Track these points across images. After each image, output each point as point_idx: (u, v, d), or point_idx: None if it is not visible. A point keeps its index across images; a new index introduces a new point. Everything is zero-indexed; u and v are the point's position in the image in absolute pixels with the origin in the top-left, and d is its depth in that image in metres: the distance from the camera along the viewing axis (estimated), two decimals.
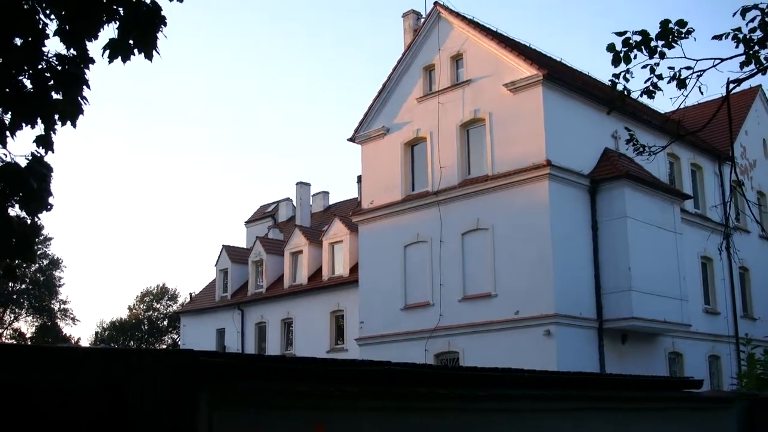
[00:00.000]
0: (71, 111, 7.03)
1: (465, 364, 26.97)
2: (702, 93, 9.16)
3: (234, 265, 47.42)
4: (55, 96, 7.00)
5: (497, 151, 29.46)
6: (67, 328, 72.34)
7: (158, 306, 79.11)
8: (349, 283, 38.03)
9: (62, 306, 70.58)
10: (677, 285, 29.98)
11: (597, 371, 26.73)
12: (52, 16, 6.90)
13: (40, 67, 6.92)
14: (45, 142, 7.07)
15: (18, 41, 6.85)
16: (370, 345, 31.80)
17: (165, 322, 77.51)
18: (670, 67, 9.03)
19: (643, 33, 8.85)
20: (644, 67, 9.03)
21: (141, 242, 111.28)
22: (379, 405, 5.13)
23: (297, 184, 50.98)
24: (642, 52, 8.91)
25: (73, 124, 7.07)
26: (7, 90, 6.86)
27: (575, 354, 26.65)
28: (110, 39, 6.93)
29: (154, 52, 7.00)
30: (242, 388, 4.21)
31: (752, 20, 8.68)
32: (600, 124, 29.67)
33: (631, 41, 8.88)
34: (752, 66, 8.97)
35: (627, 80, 9.13)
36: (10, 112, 6.93)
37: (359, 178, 37.88)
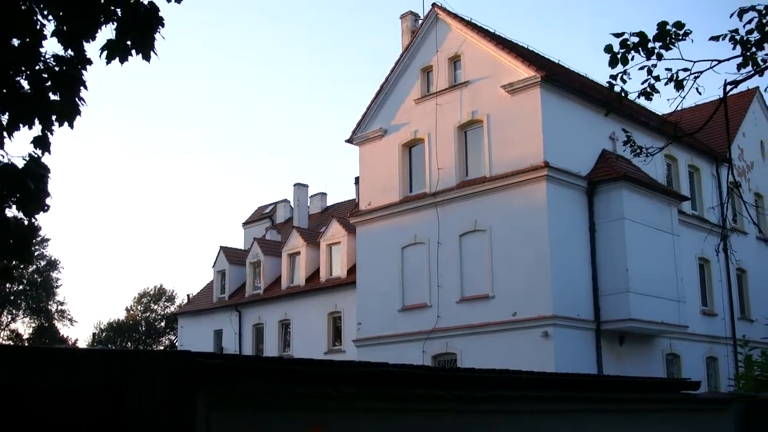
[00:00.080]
0: (68, 112, 7.03)
1: (463, 365, 26.97)
2: (700, 93, 9.17)
3: (231, 266, 47.42)
4: (52, 97, 7.00)
5: (495, 153, 29.48)
6: (64, 330, 72.54)
7: (156, 307, 79.14)
8: (347, 285, 38.03)
9: (59, 307, 70.61)
10: (675, 286, 30.00)
11: (594, 373, 26.73)
12: (50, 17, 6.90)
13: (37, 67, 6.92)
14: (42, 143, 7.07)
15: (15, 42, 6.85)
16: (368, 346, 31.80)
17: (162, 324, 77.48)
18: (667, 69, 9.04)
19: (641, 34, 8.86)
20: (642, 68, 9.03)
21: (138, 243, 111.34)
22: (376, 406, 5.13)
23: (294, 185, 50.96)
24: (639, 54, 8.91)
25: (71, 125, 7.07)
26: (5, 91, 6.85)
27: (573, 355, 26.67)
28: (108, 40, 6.93)
29: (151, 53, 7.01)
30: (240, 390, 4.20)
31: (749, 22, 8.68)
32: (598, 126, 29.70)
33: (628, 43, 8.88)
34: (749, 68, 8.98)
35: (624, 82, 9.13)
36: (7, 113, 6.93)
37: (357, 180, 37.89)
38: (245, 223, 56.73)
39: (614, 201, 28.83)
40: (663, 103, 27.00)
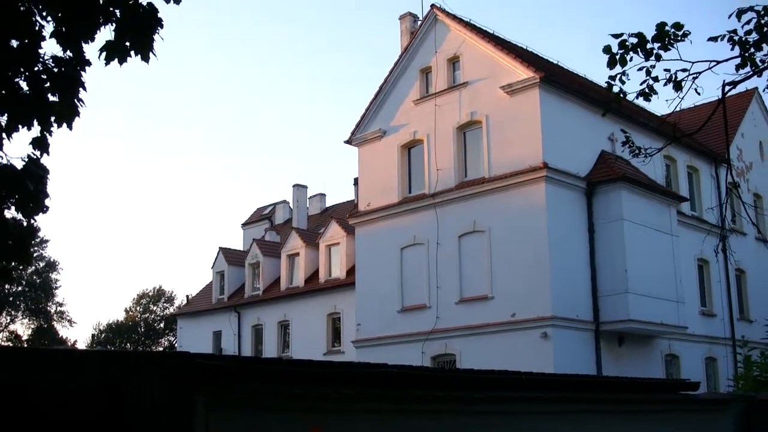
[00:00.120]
0: (67, 113, 7.03)
1: (462, 366, 26.97)
2: (699, 94, 9.17)
3: (231, 267, 47.42)
4: (51, 98, 7.00)
5: (494, 154, 29.48)
6: (63, 331, 72.45)
7: (155, 308, 79.04)
8: (346, 286, 38.02)
9: (59, 308, 70.48)
10: (674, 287, 30.00)
11: (594, 373, 26.71)
12: (49, 18, 6.90)
13: (36, 69, 6.92)
14: (41, 144, 7.07)
15: (14, 43, 6.85)
16: (367, 347, 31.79)
17: (161, 325, 77.42)
18: (666, 70, 9.04)
19: (639, 35, 8.86)
20: (640, 69, 9.04)
21: (137, 244, 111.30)
22: (375, 407, 5.13)
23: (294, 186, 50.95)
24: (638, 55, 8.92)
25: (69, 126, 7.07)
26: (4, 92, 6.85)
27: (572, 356, 26.66)
28: (107, 41, 6.93)
29: (150, 54, 7.01)
30: (239, 391, 4.20)
31: (748, 22, 8.68)
32: (597, 127, 29.70)
33: (627, 43, 8.89)
34: (748, 68, 8.98)
35: (623, 82, 9.14)
36: (6, 114, 6.93)
37: (356, 181, 37.89)
38: (244, 224, 56.73)
39: (613, 202, 28.83)
40: (662, 104, 27.09)
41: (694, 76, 8.99)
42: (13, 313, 68.96)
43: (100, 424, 3.83)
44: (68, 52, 6.98)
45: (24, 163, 6.86)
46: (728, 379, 30.04)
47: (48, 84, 6.95)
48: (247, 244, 51.26)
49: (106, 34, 6.93)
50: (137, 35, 6.92)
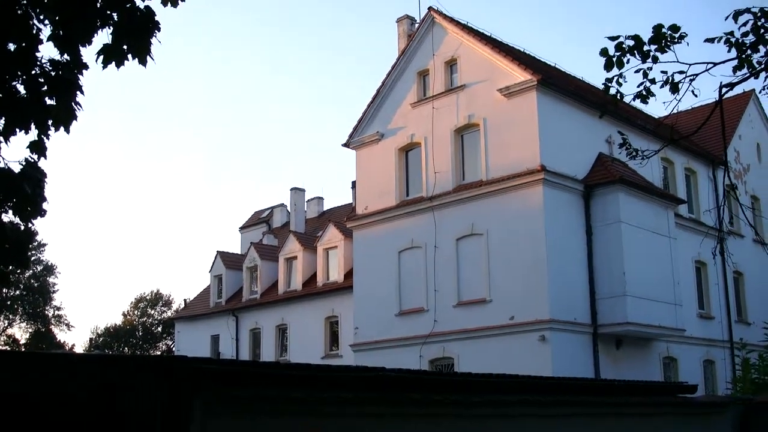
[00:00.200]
0: (65, 116, 7.03)
1: (460, 370, 26.96)
2: (696, 96, 9.17)
3: (228, 271, 47.37)
4: (48, 101, 6.99)
5: (491, 157, 29.49)
6: (61, 335, 72.24)
7: (152, 312, 78.98)
8: (344, 289, 38.00)
9: (56, 312, 70.47)
10: (671, 290, 30.02)
11: (592, 376, 26.71)
12: (46, 22, 6.90)
13: (33, 72, 6.92)
14: (38, 147, 7.07)
15: (12, 46, 6.84)
16: (365, 351, 31.78)
17: (159, 329, 77.37)
18: (663, 72, 9.04)
19: (636, 37, 8.86)
20: (637, 71, 9.03)
21: (135, 248, 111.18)
22: (373, 411, 5.12)
23: (291, 189, 50.95)
24: (635, 57, 8.91)
25: (67, 130, 7.07)
26: (1, 95, 6.85)
27: (570, 359, 26.66)
28: (104, 44, 6.93)
29: (148, 57, 7.00)
30: (237, 395, 4.20)
31: (744, 24, 8.68)
32: (594, 129, 29.72)
33: (624, 46, 8.88)
34: (745, 70, 8.98)
35: (620, 85, 9.13)
36: (3, 118, 6.92)
37: (353, 184, 37.87)
38: (242, 228, 56.68)
39: (611, 204, 28.85)
40: (659, 106, 27.14)
41: (691, 78, 8.99)
42: (10, 317, 68.92)
43: (98, 428, 3.82)
44: (65, 56, 6.97)
45: (21, 166, 6.86)
46: (726, 381, 30.00)
47: (45, 87, 6.95)
48: (244, 248, 51.22)
49: (103, 37, 6.93)
50: (134, 39, 6.92)
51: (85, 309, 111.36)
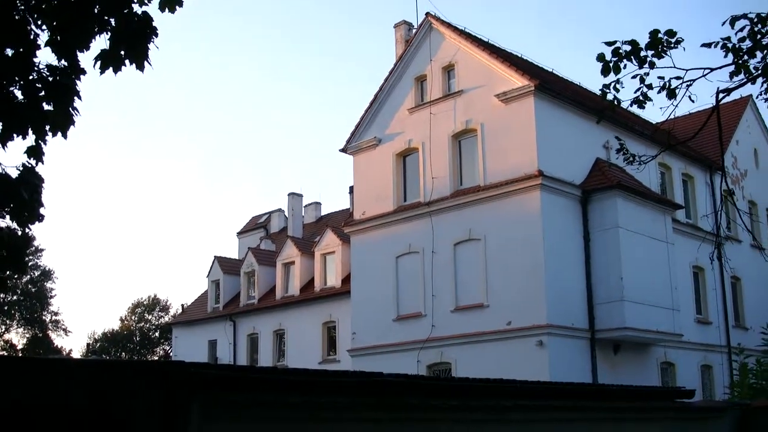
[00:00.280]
0: (62, 122, 7.03)
1: (457, 374, 26.94)
2: (693, 101, 9.18)
3: (226, 276, 47.33)
4: (46, 107, 6.99)
5: (489, 162, 29.51)
6: (58, 340, 72.20)
7: (150, 317, 78.88)
8: (341, 294, 38.00)
9: (54, 317, 70.36)
10: (669, 295, 30.03)
11: (589, 381, 26.72)
12: (44, 27, 6.90)
13: (31, 77, 6.92)
14: (36, 153, 7.07)
15: (9, 52, 6.84)
16: (363, 356, 31.75)
17: (157, 334, 77.27)
18: (660, 77, 9.06)
19: (633, 43, 8.87)
20: (634, 77, 9.05)
21: (133, 253, 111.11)
22: (371, 416, 5.12)
23: (289, 194, 50.93)
24: (632, 62, 8.92)
25: (64, 135, 7.07)
26: None
27: (568, 364, 26.65)
28: (101, 50, 6.93)
29: (145, 62, 7.01)
30: (234, 400, 4.19)
31: (741, 29, 8.70)
32: (591, 134, 29.75)
33: (620, 51, 8.89)
34: (742, 76, 9.00)
35: (617, 90, 9.14)
36: (1, 123, 6.92)
37: (351, 189, 37.89)
38: (240, 233, 56.67)
39: (608, 209, 28.86)
40: (656, 112, 27.17)
41: (688, 83, 9.00)
42: (7, 322, 68.82)
43: None
44: (63, 61, 6.98)
45: (19, 171, 6.86)
46: (724, 386, 30.09)
47: (43, 93, 6.95)
48: (242, 253, 51.21)
49: (101, 42, 6.94)
50: (132, 44, 6.93)
51: (83, 314, 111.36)
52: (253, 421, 4.36)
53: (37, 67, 6.91)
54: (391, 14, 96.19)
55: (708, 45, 8.89)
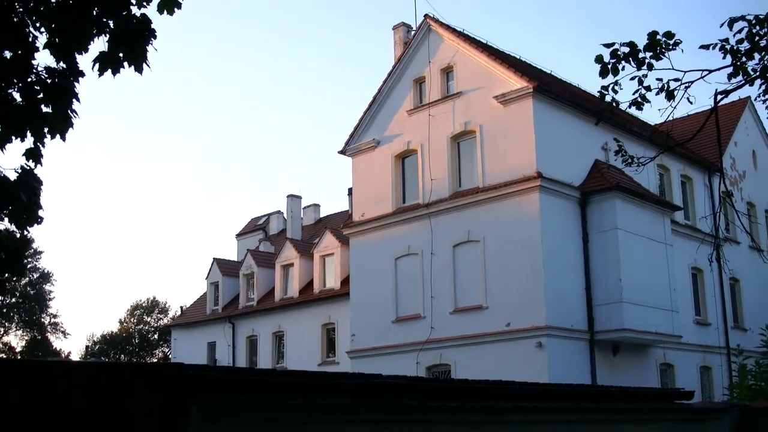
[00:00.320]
0: (61, 124, 7.02)
1: (457, 376, 26.95)
2: (691, 103, 9.20)
3: (225, 278, 47.31)
4: (44, 109, 6.99)
5: (488, 164, 29.52)
6: (57, 342, 72.17)
7: (149, 319, 78.81)
8: (341, 296, 37.98)
9: (52, 320, 70.38)
10: (668, 296, 30.04)
11: (588, 383, 26.70)
12: (42, 29, 6.90)
13: (29, 80, 6.92)
14: (34, 155, 7.06)
15: (7, 54, 6.84)
16: (362, 358, 31.74)
17: (156, 336, 77.21)
18: (658, 79, 9.06)
19: (631, 44, 8.89)
20: (632, 78, 9.05)
21: (132, 255, 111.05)
22: (370, 418, 5.11)
23: (288, 196, 50.92)
24: (630, 64, 8.93)
25: (63, 138, 7.06)
26: None
27: (567, 366, 26.66)
28: (100, 52, 6.93)
29: (144, 64, 7.01)
30: (233, 402, 4.19)
31: (740, 31, 8.71)
32: (590, 136, 29.76)
33: (619, 53, 8.90)
34: (740, 77, 9.00)
35: (616, 92, 9.15)
36: None
37: (350, 191, 37.89)
38: (238, 235, 56.67)
39: (607, 211, 28.88)
40: (655, 113, 27.24)
41: (687, 85, 9.01)
42: (6, 324, 68.79)
43: None
44: (61, 63, 6.98)
45: (17, 174, 6.85)
46: (723, 388, 30.10)
47: (41, 95, 6.94)
48: (241, 255, 51.19)
49: (99, 45, 6.93)
50: (130, 46, 6.93)
51: (82, 316, 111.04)
52: (252, 422, 4.35)
53: (36, 69, 6.91)
54: (390, 16, 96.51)
55: (706, 47, 8.90)
